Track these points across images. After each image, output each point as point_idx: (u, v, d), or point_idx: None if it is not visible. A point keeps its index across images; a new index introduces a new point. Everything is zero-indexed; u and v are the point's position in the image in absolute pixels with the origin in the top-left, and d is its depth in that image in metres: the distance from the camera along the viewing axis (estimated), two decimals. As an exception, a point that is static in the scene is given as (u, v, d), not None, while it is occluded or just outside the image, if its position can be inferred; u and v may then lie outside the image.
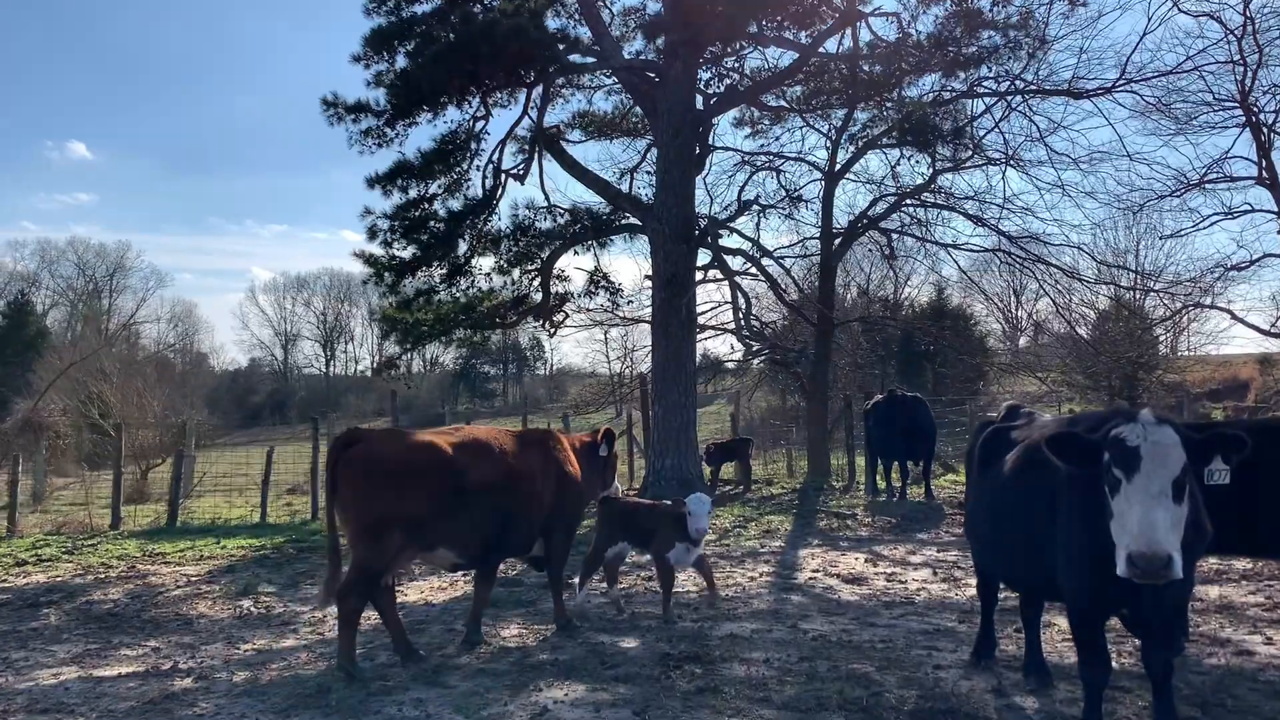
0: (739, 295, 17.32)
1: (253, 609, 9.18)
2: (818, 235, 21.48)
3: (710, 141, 20.61)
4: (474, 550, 7.24)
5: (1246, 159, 28.32)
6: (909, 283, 46.09)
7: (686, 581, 9.62)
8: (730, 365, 25.10)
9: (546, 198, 18.14)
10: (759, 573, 10.25)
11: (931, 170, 21.95)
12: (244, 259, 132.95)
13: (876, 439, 16.46)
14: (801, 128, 21.57)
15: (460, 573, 9.46)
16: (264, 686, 6.47)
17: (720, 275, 19.37)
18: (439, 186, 17.63)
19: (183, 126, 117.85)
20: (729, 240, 19.82)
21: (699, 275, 19.22)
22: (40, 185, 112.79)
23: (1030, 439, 5.52)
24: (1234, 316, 30.04)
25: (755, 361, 21.32)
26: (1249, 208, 28.23)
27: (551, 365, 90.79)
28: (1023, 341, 51.49)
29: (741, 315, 20.18)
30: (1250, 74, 25.97)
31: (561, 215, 18.19)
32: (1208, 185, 27.46)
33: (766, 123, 22.60)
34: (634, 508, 8.84)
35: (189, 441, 26.72)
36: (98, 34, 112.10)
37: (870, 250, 25.40)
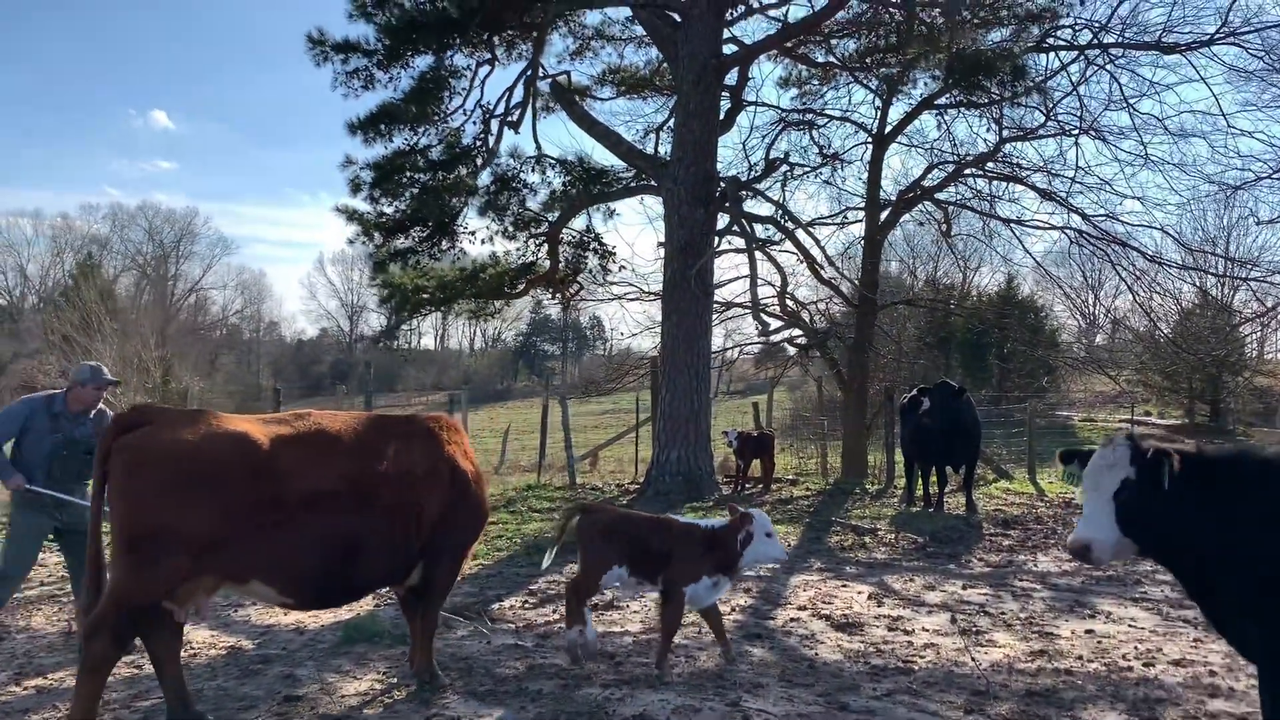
0: (757, 266, 15.01)
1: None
2: (862, 205, 19.09)
3: (744, 97, 18.38)
4: (306, 586, 5.12)
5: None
6: (978, 270, 43.20)
7: (628, 615, 7.55)
8: (751, 350, 22.80)
9: (538, 146, 16.10)
10: (730, 607, 8.12)
11: (998, 138, 19.44)
12: (315, 230, 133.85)
13: (910, 440, 14.11)
14: (849, 84, 19.13)
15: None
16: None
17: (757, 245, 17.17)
18: (427, 136, 15.71)
19: (265, 97, 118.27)
20: (756, 208, 17.56)
21: (721, 244, 17.04)
22: (122, 152, 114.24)
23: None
24: (1338, 315, 26.93)
25: (774, 343, 18.97)
26: (1363, 191, 25.10)
27: (611, 345, 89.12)
28: (1099, 339, 48.15)
29: (776, 291, 17.99)
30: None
31: (553, 167, 16.03)
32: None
33: (815, 83, 20.20)
34: (636, 522, 6.46)
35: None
36: (183, 3, 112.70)
37: (925, 225, 22.75)
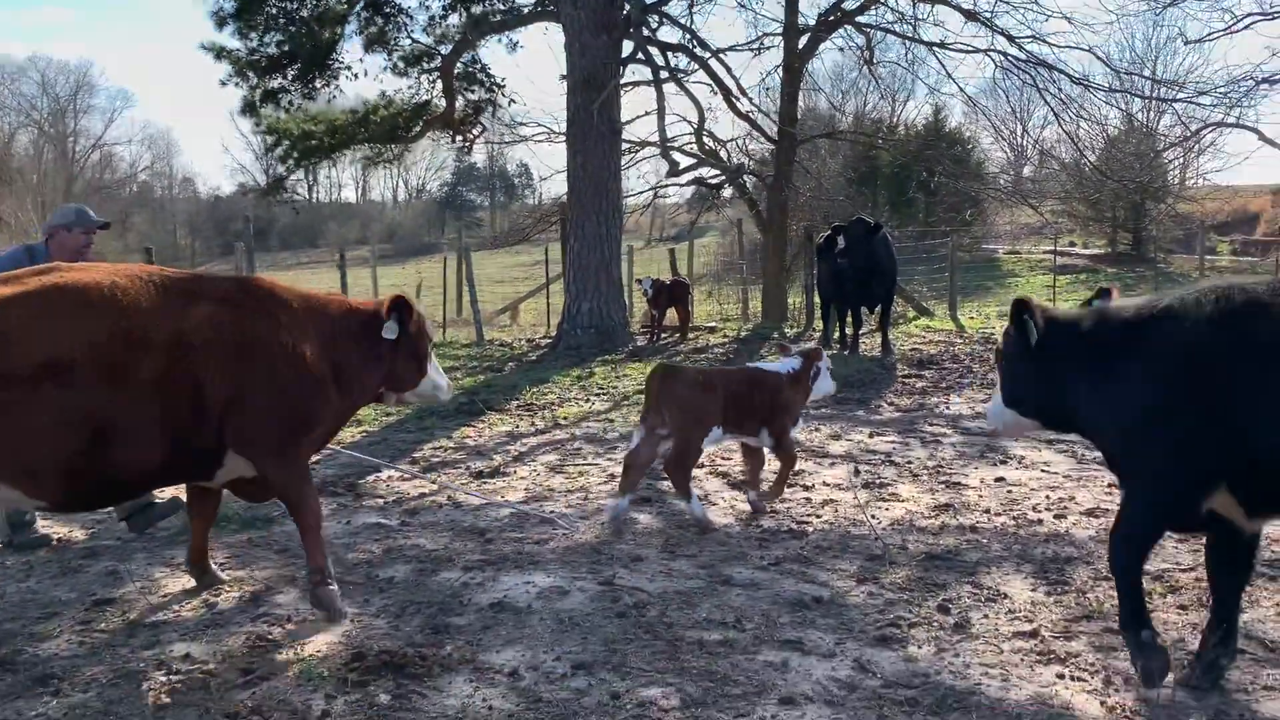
0: (671, 101, 13.96)
1: None
2: (779, 31, 17.88)
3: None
4: (50, 480, 4.16)
5: (1296, -52, 24.31)
6: (906, 103, 42.19)
7: (512, 483, 6.96)
8: (676, 193, 21.82)
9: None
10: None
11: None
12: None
13: (825, 280, 13.53)
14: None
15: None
16: None
17: (666, 76, 15.97)
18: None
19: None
20: (666, 36, 16.27)
21: (628, 76, 15.88)
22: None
23: None
24: (1262, 137, 26.58)
25: (684, 183, 18.03)
26: (1295, 6, 24.36)
27: (540, 193, 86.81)
28: (1026, 170, 47.74)
29: (693, 128, 17.00)
30: None
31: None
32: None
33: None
34: (727, 377, 6.19)
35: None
36: None
37: (847, 53, 21.61)
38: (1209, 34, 26.05)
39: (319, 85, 14.66)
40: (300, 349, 4.61)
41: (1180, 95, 20.32)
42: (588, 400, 10.69)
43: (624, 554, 5.45)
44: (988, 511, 6.04)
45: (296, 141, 16.19)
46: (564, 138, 15.46)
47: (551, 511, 6.34)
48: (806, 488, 6.75)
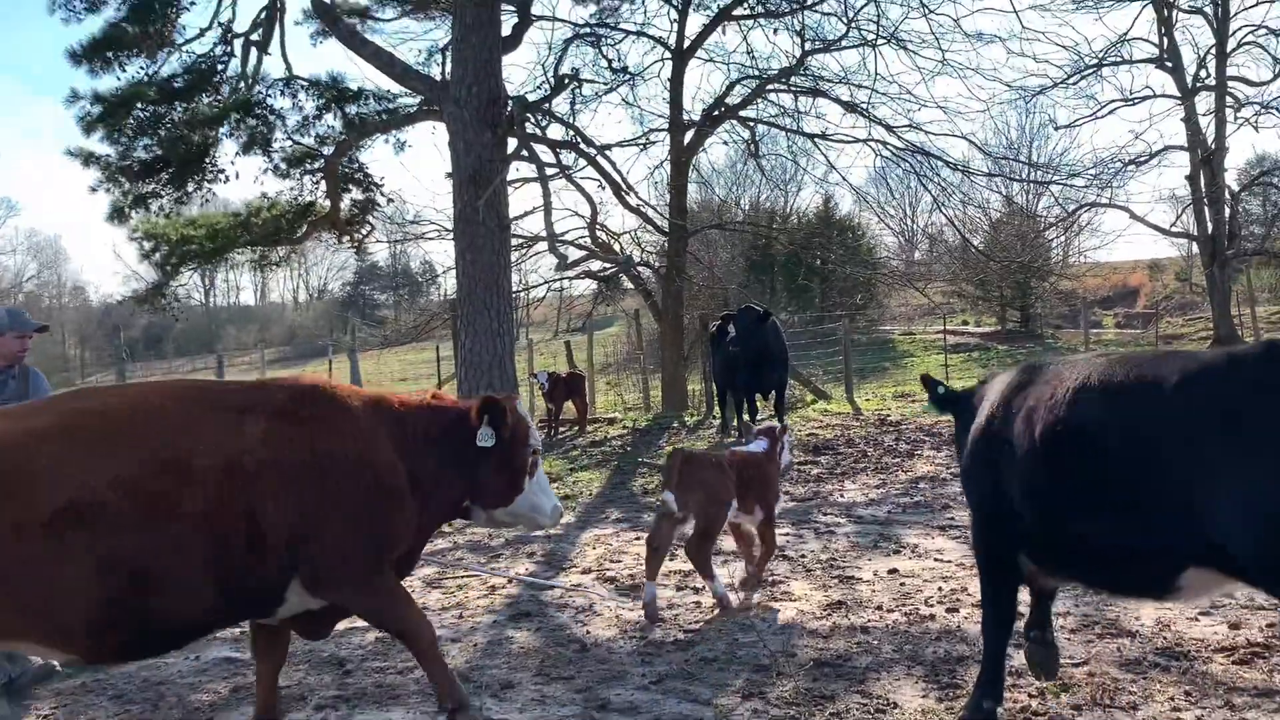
0: (562, 195, 13.90)
1: None
2: (666, 126, 18.13)
3: (532, 12, 17.04)
4: (81, 635, 3.54)
5: (1146, 40, 25.96)
6: (799, 193, 43.39)
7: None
8: (573, 284, 21.72)
9: (288, 66, 14.30)
10: (510, 576, 7.17)
11: (800, 51, 18.80)
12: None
13: (720, 368, 13.44)
14: (646, -3, 18.02)
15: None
16: None
17: (554, 172, 15.91)
18: (168, 65, 13.73)
19: (41, 41, 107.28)
20: (555, 132, 16.31)
21: (516, 172, 15.83)
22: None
23: None
24: (1133, 215, 28.03)
25: (573, 276, 17.95)
26: (1150, 92, 25.90)
27: (444, 288, 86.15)
28: (916, 254, 49.27)
29: (586, 222, 16.95)
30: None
31: (305, 89, 14.34)
32: (1106, 68, 25.00)
33: (614, -2, 19.01)
34: (732, 459, 6.25)
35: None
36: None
37: (732, 145, 22.09)
38: (1077, 120, 27.49)
39: (192, 189, 14.20)
40: (371, 461, 3.98)
41: (1055, 178, 21.23)
42: (476, 504, 10.24)
43: (495, 679, 5.02)
44: (880, 608, 5.79)
45: (175, 247, 15.62)
46: (450, 234, 15.24)
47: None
48: (697, 589, 6.43)
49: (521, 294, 19.95)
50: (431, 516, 4.36)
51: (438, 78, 16.12)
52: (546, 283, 20.77)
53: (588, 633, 5.73)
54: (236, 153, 14.54)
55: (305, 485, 3.80)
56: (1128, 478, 3.17)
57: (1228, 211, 24.76)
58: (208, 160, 13.89)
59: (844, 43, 18.48)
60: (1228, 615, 5.25)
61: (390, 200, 15.84)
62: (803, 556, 7.18)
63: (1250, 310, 30.98)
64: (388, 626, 4.22)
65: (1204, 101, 25.16)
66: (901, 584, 6.30)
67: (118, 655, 3.92)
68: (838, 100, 18.30)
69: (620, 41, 18.09)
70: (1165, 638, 5.00)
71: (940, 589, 6.10)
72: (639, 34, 18.04)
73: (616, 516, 9.03)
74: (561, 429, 15.83)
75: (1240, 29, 24.82)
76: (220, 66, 13.55)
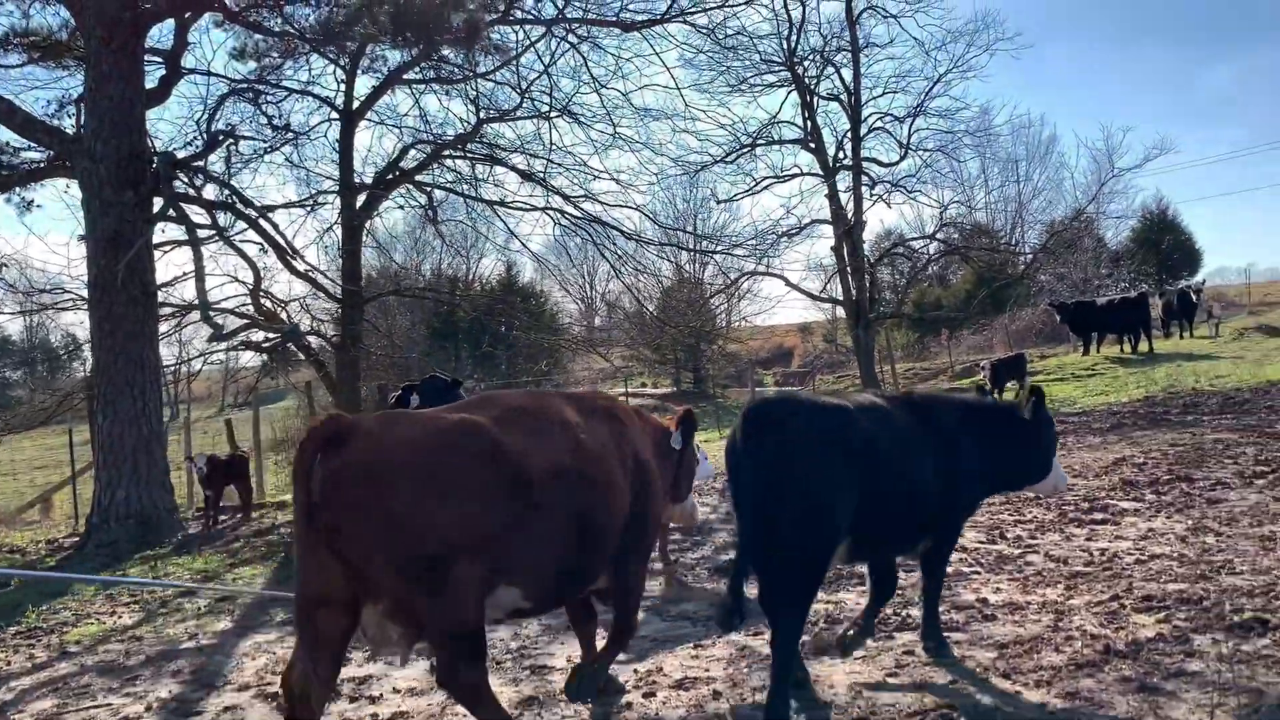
0: (219, 259, 12.69)
1: None
2: (335, 189, 17.27)
3: (183, 65, 15.72)
4: (549, 582, 4.43)
5: (793, 124, 28.46)
6: (481, 260, 43.44)
7: None
8: (221, 357, 20.04)
9: None
10: (148, 702, 6.10)
11: (476, 119, 18.73)
12: None
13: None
14: (309, 54, 17.14)
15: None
16: None
17: (209, 234, 14.51)
18: None
19: None
20: (209, 192, 15.00)
21: (167, 235, 14.37)
22: None
23: None
24: (788, 283, 30.38)
25: (231, 346, 16.55)
26: (798, 170, 28.35)
27: (87, 363, 77.51)
28: (597, 320, 50.74)
29: (249, 289, 15.61)
30: (795, 32, 25.70)
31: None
32: (760, 147, 27.12)
33: (275, 55, 17.94)
34: None
35: None
36: None
37: (408, 210, 21.54)
38: (736, 194, 29.56)
39: None
40: (652, 459, 5.07)
41: (720, 248, 22.50)
42: (113, 614, 8.85)
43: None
44: (566, 700, 5.44)
45: None
46: (85, 303, 13.49)
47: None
48: (373, 699, 5.76)
49: (179, 368, 18.07)
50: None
51: (70, 130, 14.42)
52: (202, 355, 18.97)
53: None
54: None
55: (637, 472, 4.82)
56: None
57: (868, 279, 27.39)
58: None
59: (519, 113, 18.68)
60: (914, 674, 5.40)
61: (4, 265, 13.78)
62: (492, 647, 6.70)
63: (891, 366, 34.48)
64: (629, 603, 4.97)
65: (844, 180, 27.88)
66: (595, 669, 5.98)
67: (555, 601, 4.75)
68: (515, 169, 18.38)
69: (283, 99, 17.10)
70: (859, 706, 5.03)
71: (636, 672, 5.85)
72: (303, 93, 17.14)
73: (282, 619, 8.07)
74: (223, 517, 14.32)
75: (870, 115, 27.84)
76: None
